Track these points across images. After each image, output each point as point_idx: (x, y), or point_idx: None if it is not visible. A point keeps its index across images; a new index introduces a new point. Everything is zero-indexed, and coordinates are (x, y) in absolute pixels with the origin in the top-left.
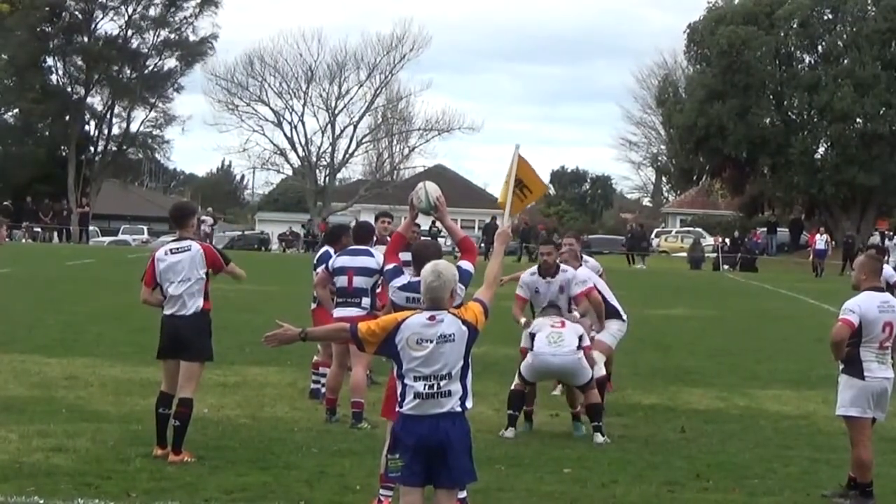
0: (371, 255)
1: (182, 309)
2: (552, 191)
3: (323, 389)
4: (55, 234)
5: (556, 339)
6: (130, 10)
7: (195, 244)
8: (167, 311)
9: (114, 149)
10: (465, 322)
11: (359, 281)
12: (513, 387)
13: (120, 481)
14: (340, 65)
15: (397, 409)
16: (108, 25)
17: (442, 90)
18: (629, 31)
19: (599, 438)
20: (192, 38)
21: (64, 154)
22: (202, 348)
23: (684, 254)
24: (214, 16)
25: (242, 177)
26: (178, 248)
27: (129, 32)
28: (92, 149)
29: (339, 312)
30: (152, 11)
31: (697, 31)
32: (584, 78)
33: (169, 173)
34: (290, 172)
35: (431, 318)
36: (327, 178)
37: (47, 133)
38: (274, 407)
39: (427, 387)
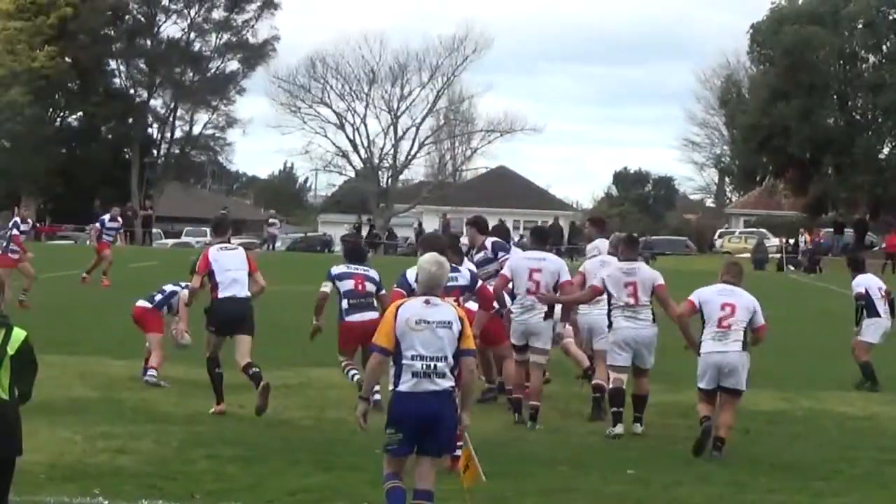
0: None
1: (241, 291)
2: (615, 192)
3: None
4: (118, 236)
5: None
6: (193, 12)
7: (240, 248)
8: (226, 294)
9: (176, 151)
10: (458, 315)
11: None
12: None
13: (184, 482)
14: (402, 66)
15: (391, 387)
16: (170, 28)
17: (504, 91)
18: (691, 31)
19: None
20: (252, 41)
21: (127, 157)
22: (253, 324)
23: (748, 255)
24: (272, 17)
25: (305, 179)
26: (227, 247)
27: (192, 35)
28: (155, 151)
29: None
30: (215, 14)
31: (760, 31)
32: (646, 79)
33: (231, 175)
34: (352, 174)
35: (427, 301)
36: (390, 180)
37: (110, 136)
38: (337, 409)
39: (424, 367)
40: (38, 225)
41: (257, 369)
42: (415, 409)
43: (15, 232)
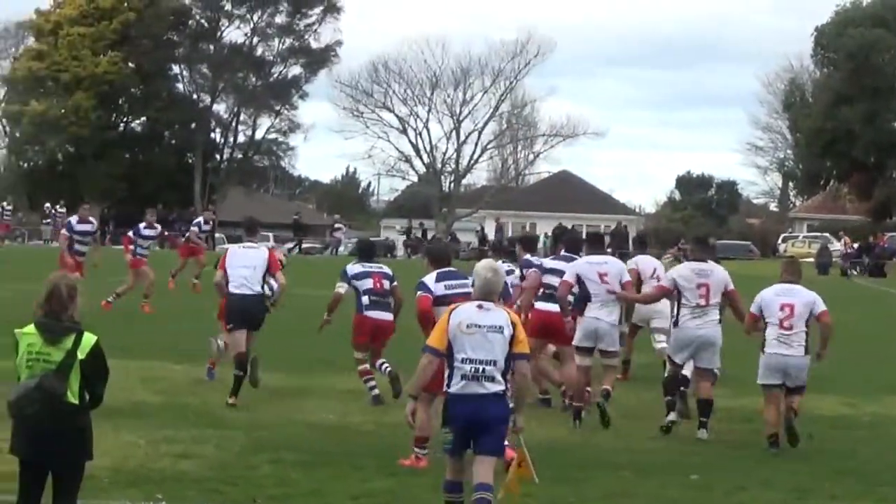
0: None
1: (249, 289)
2: (678, 196)
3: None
4: (181, 241)
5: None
6: (256, 17)
7: (263, 247)
8: (236, 291)
9: (239, 156)
10: (511, 320)
11: None
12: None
13: (246, 487)
14: (465, 71)
15: (445, 388)
16: (233, 33)
17: (566, 95)
18: (754, 34)
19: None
20: (315, 45)
21: (190, 161)
22: (261, 322)
23: (811, 259)
24: (336, 21)
25: (368, 183)
26: (248, 246)
27: (255, 40)
28: (218, 156)
29: None
30: (277, 19)
31: (824, 34)
32: (708, 83)
33: (294, 180)
34: (415, 179)
35: (480, 306)
36: (452, 185)
37: (174, 141)
38: (398, 413)
39: (473, 370)
40: (166, 233)
41: (254, 356)
42: (463, 410)
43: (129, 235)
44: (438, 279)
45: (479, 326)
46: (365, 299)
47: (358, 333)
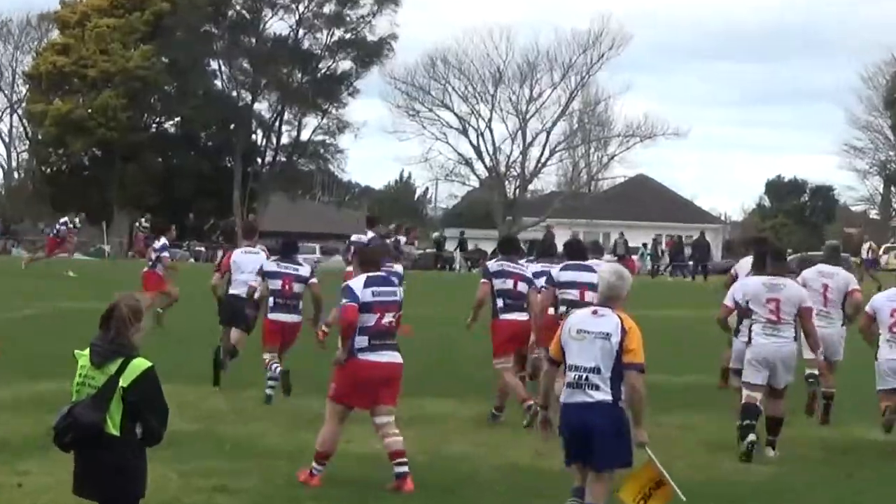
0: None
1: (244, 291)
2: (767, 202)
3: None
4: (220, 252)
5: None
6: (302, 7)
7: (262, 253)
8: (234, 292)
9: (283, 159)
10: (623, 327)
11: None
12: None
13: None
14: (532, 65)
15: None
16: (277, 25)
17: (643, 92)
18: (850, 25)
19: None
20: (369, 37)
21: (229, 165)
22: (251, 323)
23: None
24: (394, 14)
25: (425, 189)
26: (250, 251)
27: (301, 32)
28: (259, 160)
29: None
30: (326, 9)
31: None
32: (801, 77)
33: (343, 186)
34: (476, 184)
35: (594, 311)
36: (517, 190)
37: (210, 143)
38: (458, 443)
39: (576, 377)
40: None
41: (232, 356)
42: (568, 420)
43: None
44: (367, 284)
45: (589, 332)
46: (271, 301)
47: (267, 337)
